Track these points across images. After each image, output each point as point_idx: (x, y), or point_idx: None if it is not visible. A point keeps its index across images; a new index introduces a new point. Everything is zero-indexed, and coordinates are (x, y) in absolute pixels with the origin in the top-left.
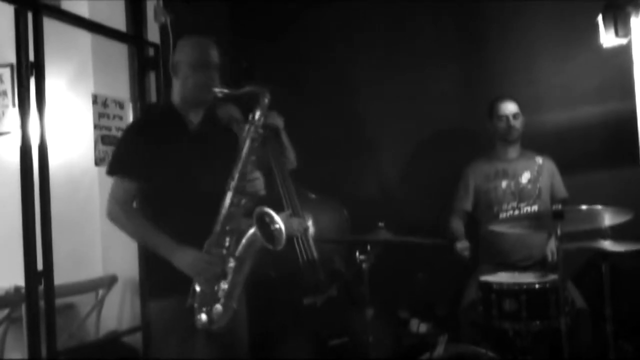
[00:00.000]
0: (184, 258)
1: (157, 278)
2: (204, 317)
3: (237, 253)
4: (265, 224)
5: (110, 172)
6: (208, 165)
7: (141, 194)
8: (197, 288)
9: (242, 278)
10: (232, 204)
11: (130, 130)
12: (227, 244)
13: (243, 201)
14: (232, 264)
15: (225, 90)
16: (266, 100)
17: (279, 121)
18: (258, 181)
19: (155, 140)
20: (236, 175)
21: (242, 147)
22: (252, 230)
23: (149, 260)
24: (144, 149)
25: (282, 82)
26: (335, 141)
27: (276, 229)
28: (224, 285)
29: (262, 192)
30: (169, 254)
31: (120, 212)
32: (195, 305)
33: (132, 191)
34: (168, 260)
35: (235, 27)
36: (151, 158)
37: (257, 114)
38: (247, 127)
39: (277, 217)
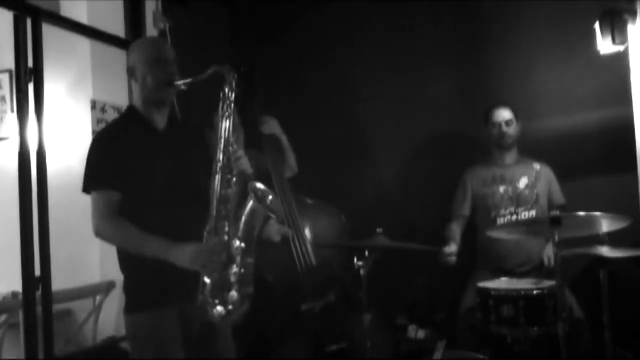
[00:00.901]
0: (183, 254)
1: (134, 292)
2: (220, 309)
3: (239, 232)
4: (260, 199)
5: (87, 188)
6: (183, 164)
7: (122, 203)
8: (206, 280)
9: (252, 258)
10: (222, 186)
11: (98, 141)
12: (226, 228)
13: (233, 180)
14: (237, 244)
15: (188, 80)
16: (232, 77)
17: (276, 128)
18: (243, 159)
19: (126, 148)
20: (220, 156)
21: (219, 128)
22: (250, 204)
23: (125, 275)
24: (115, 157)
25: (282, 85)
26: (333, 145)
27: (272, 201)
28: (235, 269)
29: (250, 170)
30: (167, 254)
31: (107, 226)
32: (209, 298)
33: (114, 202)
34: (166, 260)
35: (235, 31)
36: (124, 166)
37: (226, 91)
38: (219, 105)
39: (267, 190)
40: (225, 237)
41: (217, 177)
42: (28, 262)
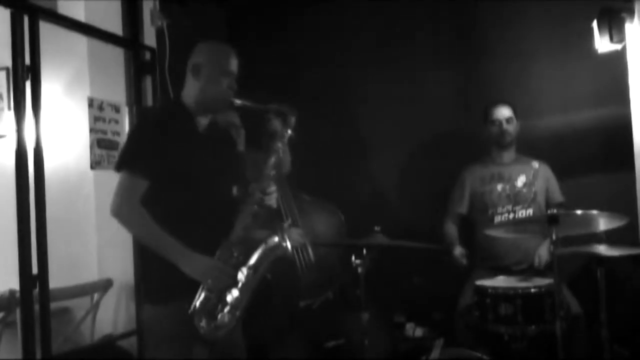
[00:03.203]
0: (195, 264)
1: (156, 283)
2: (206, 323)
3: (251, 262)
4: (283, 237)
5: (119, 167)
6: (214, 169)
7: (147, 193)
8: (204, 294)
9: (251, 288)
10: (250, 214)
11: (142, 126)
12: (238, 253)
13: (259, 213)
14: (244, 272)
15: (247, 103)
16: (293, 119)
17: (277, 125)
18: (274, 195)
19: (167, 139)
20: (259, 189)
21: (268, 162)
22: (273, 240)
23: (147, 264)
24: (155, 146)
25: (279, 85)
26: (331, 145)
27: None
28: (234, 293)
29: (275, 205)
30: (179, 258)
31: (126, 209)
32: (200, 310)
33: (140, 188)
34: (175, 264)
35: (232, 30)
36: (161, 156)
37: (286, 133)
38: (274, 143)
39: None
40: (234, 261)
41: (251, 207)
42: (25, 260)
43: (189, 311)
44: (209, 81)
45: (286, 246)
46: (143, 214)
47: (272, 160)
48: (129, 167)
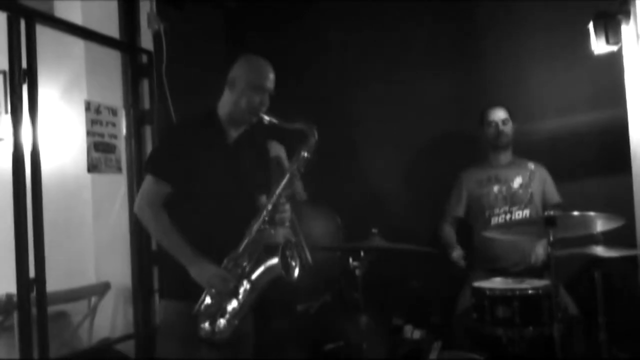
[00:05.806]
0: (201, 270)
1: (174, 279)
2: (207, 326)
3: (253, 277)
4: (285, 255)
5: (146, 170)
6: (239, 180)
7: (171, 197)
8: (207, 299)
9: (251, 301)
10: (259, 229)
11: (172, 133)
12: (245, 264)
13: (265, 229)
14: (246, 285)
15: (274, 120)
16: (313, 140)
17: (280, 151)
18: (287, 214)
19: (195, 148)
20: (270, 205)
21: (282, 181)
22: (274, 260)
23: (167, 261)
24: (182, 154)
25: (277, 87)
26: (329, 146)
27: (292, 266)
28: (234, 304)
29: (287, 223)
30: (188, 263)
31: (148, 211)
32: (203, 313)
33: (163, 193)
34: (185, 267)
35: (230, 33)
36: (187, 164)
37: (304, 153)
38: (291, 163)
39: (296, 255)
40: (239, 272)
41: (259, 221)
42: (22, 264)
43: (194, 311)
44: (241, 95)
45: (291, 274)
46: (163, 216)
47: (286, 179)
48: (154, 171)
